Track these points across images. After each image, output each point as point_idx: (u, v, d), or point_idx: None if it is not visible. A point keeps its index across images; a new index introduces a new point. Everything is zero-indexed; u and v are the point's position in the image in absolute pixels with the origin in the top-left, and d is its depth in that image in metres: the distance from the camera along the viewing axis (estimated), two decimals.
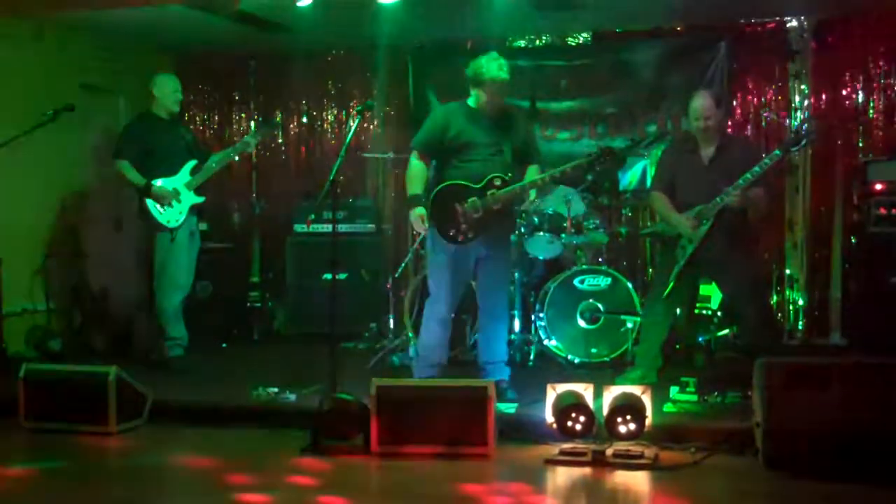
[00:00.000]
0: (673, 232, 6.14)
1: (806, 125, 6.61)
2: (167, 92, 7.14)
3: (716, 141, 6.08)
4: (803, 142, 5.98)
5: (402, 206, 8.68)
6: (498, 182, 5.79)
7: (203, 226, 8.44)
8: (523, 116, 6.21)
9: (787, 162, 7.96)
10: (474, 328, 6.75)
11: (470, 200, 5.79)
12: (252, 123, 9.45)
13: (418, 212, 5.89)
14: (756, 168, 5.77)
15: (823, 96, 8.05)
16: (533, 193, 6.17)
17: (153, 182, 6.92)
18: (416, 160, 5.99)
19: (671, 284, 6.10)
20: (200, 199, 7.13)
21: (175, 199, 6.97)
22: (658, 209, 6.38)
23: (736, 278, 6.08)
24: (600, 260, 7.45)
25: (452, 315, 6.13)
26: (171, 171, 7.03)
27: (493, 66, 5.78)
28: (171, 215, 6.98)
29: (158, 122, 7.15)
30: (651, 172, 8.22)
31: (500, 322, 6.12)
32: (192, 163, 7.10)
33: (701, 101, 6.06)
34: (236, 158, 7.69)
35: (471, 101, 5.96)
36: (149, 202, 6.93)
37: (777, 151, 5.87)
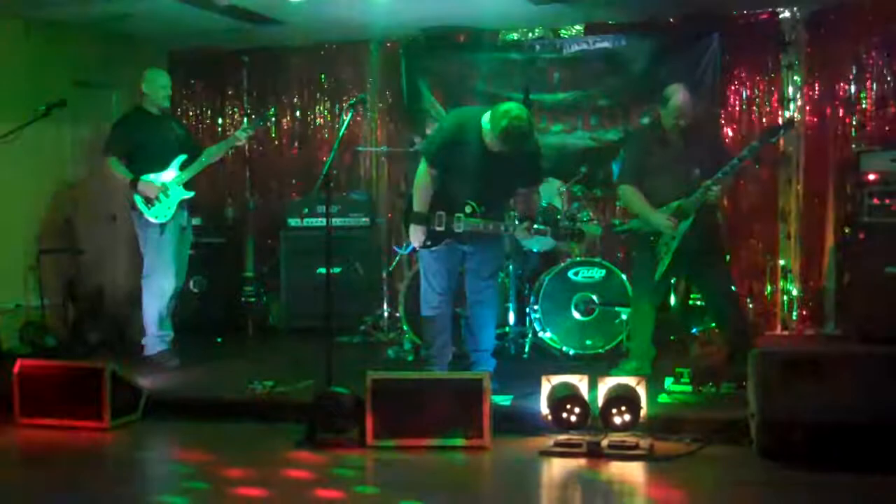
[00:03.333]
0: (650, 228, 6.07)
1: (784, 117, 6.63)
2: (156, 87, 7.10)
3: (682, 128, 6.02)
4: (780, 132, 6.01)
5: (396, 200, 8.72)
6: (468, 210, 5.83)
7: (197, 220, 8.43)
8: (531, 150, 5.85)
9: (780, 153, 7.99)
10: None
11: (437, 213, 5.88)
12: (245, 118, 9.44)
13: (412, 229, 5.94)
14: (735, 160, 5.79)
15: (816, 87, 8.06)
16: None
17: (141, 177, 6.90)
18: (425, 171, 5.89)
19: (657, 279, 6.07)
20: (189, 194, 7.08)
21: (163, 194, 6.95)
22: (633, 206, 6.21)
23: (715, 278, 6.12)
24: (594, 252, 7.44)
25: (448, 309, 6.13)
26: (161, 166, 6.99)
27: (501, 124, 5.49)
28: (159, 211, 6.94)
29: (148, 118, 7.11)
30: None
31: (486, 310, 6.12)
32: (181, 158, 7.06)
33: (684, 99, 5.94)
34: (229, 153, 7.66)
35: (484, 122, 5.69)
36: (137, 198, 6.91)
37: (755, 143, 5.87)
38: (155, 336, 7.05)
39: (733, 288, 6.48)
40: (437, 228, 5.89)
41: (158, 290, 7.02)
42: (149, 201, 6.93)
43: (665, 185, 6.01)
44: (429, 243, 5.93)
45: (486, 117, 5.66)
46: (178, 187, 7.03)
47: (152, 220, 6.94)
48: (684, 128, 6.02)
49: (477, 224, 5.83)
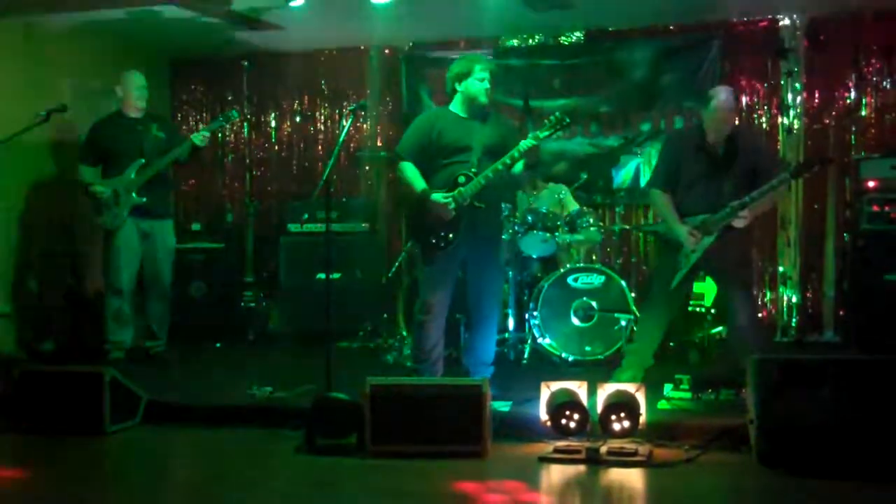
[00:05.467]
0: (674, 235, 5.90)
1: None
2: (130, 88, 7.17)
3: (724, 136, 5.79)
4: (814, 167, 5.85)
5: (395, 206, 8.73)
6: (462, 180, 5.73)
7: (196, 226, 8.43)
8: (500, 114, 6.15)
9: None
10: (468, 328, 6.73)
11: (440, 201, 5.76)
12: (245, 124, 9.45)
13: (435, 197, 5.71)
14: (765, 188, 5.57)
15: (816, 94, 8.07)
16: (520, 166, 5.85)
17: (94, 184, 7.06)
18: (407, 164, 5.89)
19: (673, 287, 5.91)
20: (140, 200, 7.03)
21: (112, 201, 7.00)
22: (660, 211, 6.04)
23: (731, 282, 5.95)
24: (594, 258, 7.45)
25: (442, 321, 6.02)
26: (120, 171, 7.04)
27: (481, 57, 5.89)
28: (107, 218, 7.03)
29: (121, 122, 7.19)
30: (645, 170, 8.22)
31: (487, 325, 6.07)
32: (139, 163, 7.03)
33: (726, 102, 5.74)
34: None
35: (453, 106, 5.94)
36: (91, 204, 7.08)
37: (787, 175, 5.73)
38: (108, 343, 7.13)
39: (751, 296, 6.36)
40: (440, 231, 5.78)
41: (107, 296, 7.15)
42: (98, 208, 7.03)
43: (695, 195, 5.82)
44: (442, 245, 5.78)
45: (453, 103, 5.94)
46: (130, 194, 7.01)
47: (104, 226, 7.07)
48: (727, 137, 5.80)
49: (479, 183, 5.69)
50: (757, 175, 5.74)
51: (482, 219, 5.82)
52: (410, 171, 5.86)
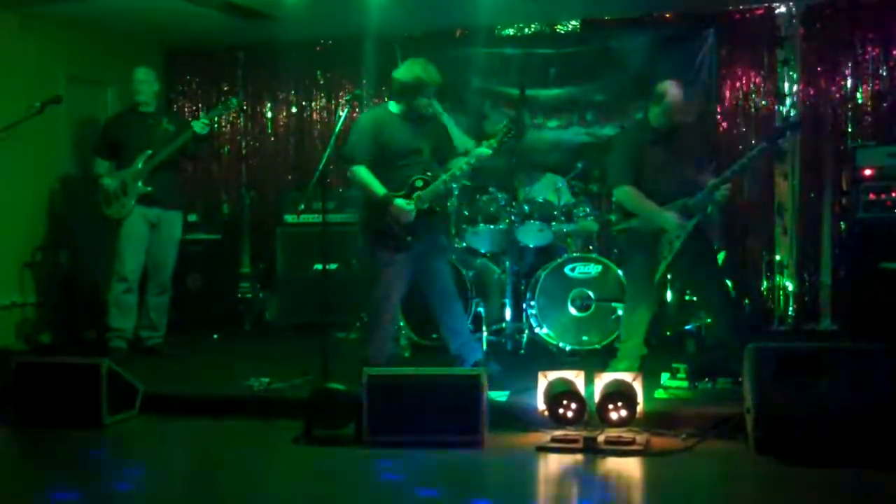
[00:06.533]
0: (652, 228, 5.87)
1: (791, 116, 6.54)
2: (136, 83, 7.27)
3: (671, 126, 5.92)
4: (788, 133, 5.92)
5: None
6: (420, 183, 5.86)
7: (192, 217, 8.43)
8: (436, 116, 6.19)
9: (776, 148, 7.98)
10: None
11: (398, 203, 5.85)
12: (241, 114, 9.43)
13: (398, 203, 5.82)
14: (745, 160, 5.69)
15: (812, 82, 8.05)
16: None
17: (103, 176, 7.20)
18: (361, 168, 5.92)
19: (657, 279, 5.92)
20: (146, 190, 7.12)
21: (120, 191, 7.10)
22: (634, 205, 5.94)
23: (714, 275, 6.01)
24: (590, 247, 7.45)
25: (398, 314, 6.29)
26: (130, 163, 7.13)
27: (432, 70, 5.91)
28: (114, 208, 7.14)
29: (132, 116, 7.30)
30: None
31: (451, 303, 6.16)
32: (146, 153, 7.11)
33: (678, 97, 5.83)
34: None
35: (392, 107, 6.03)
36: (100, 196, 7.17)
37: (764, 144, 5.80)
38: (110, 331, 7.20)
39: (728, 283, 6.45)
40: (399, 233, 5.88)
41: (112, 284, 7.24)
42: (106, 199, 7.14)
43: (663, 185, 5.84)
44: (402, 246, 5.89)
45: (394, 104, 6.04)
46: (136, 183, 7.10)
47: (109, 216, 7.17)
48: (676, 125, 5.92)
49: (438, 187, 5.86)
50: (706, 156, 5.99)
51: (434, 218, 6.00)
52: (367, 176, 5.92)
